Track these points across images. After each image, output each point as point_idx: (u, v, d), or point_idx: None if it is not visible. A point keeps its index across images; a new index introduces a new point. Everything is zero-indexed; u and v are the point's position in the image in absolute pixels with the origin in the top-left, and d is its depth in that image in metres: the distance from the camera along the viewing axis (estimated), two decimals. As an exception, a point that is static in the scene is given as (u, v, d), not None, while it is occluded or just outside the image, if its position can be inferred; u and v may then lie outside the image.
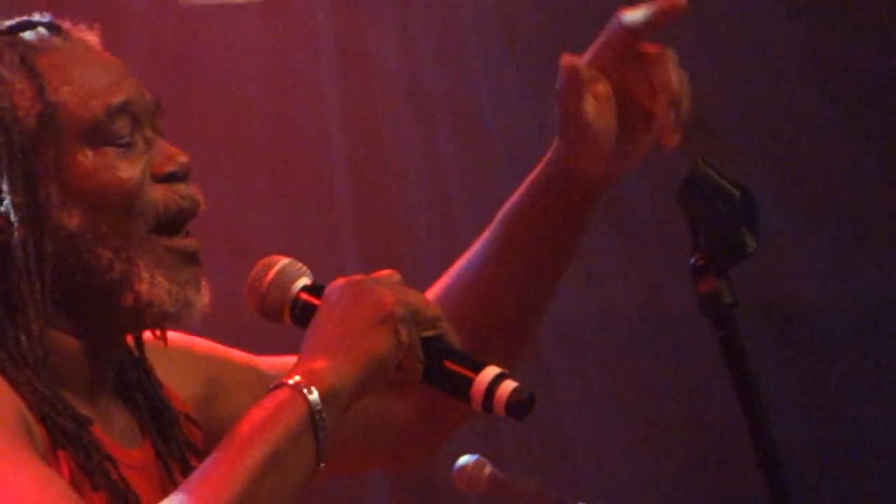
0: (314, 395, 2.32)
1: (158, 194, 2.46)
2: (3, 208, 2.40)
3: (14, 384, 2.38)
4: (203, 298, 2.49)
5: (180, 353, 2.68)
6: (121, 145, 2.45)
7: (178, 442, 2.61)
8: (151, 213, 2.45)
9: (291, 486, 2.37)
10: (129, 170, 2.45)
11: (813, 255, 7.65)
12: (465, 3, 7.14)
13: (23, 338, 2.41)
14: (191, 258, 2.49)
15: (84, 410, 2.46)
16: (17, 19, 2.51)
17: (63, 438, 2.40)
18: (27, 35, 2.48)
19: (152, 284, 2.45)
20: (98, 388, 2.52)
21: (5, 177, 2.40)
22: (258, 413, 2.36)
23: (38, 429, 2.38)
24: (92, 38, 2.53)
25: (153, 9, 7.19)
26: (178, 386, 2.67)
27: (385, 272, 2.44)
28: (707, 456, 6.94)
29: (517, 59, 7.10)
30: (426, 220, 7.36)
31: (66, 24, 2.52)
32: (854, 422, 7.89)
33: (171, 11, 7.24)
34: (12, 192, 2.40)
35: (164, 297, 2.45)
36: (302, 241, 7.16)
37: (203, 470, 2.35)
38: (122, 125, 2.45)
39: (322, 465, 2.35)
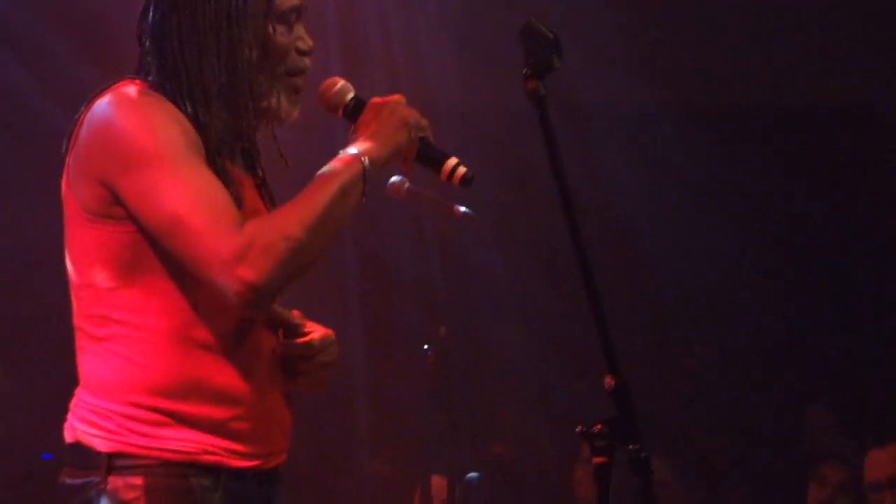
0: (366, 160, 3.27)
1: (296, 57, 3.39)
2: (224, 27, 3.30)
3: (199, 128, 3.27)
4: (296, 113, 3.40)
5: None
6: (289, 26, 3.38)
7: (264, 179, 3.51)
8: (290, 66, 3.39)
9: (348, 210, 3.24)
10: (287, 39, 3.37)
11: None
12: None
13: (201, 111, 3.29)
14: (298, 91, 3.40)
15: (223, 152, 3.33)
16: None
17: (214, 159, 3.27)
18: None
19: (275, 101, 3.37)
20: (233, 146, 3.40)
21: (240, 14, 3.30)
22: (335, 165, 3.24)
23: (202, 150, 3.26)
24: None
25: None
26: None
27: (398, 96, 3.41)
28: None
29: None
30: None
31: None
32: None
33: None
34: (237, 23, 3.30)
35: (282, 107, 3.39)
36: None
37: (302, 194, 3.21)
38: (293, 17, 3.40)
39: (364, 200, 3.27)
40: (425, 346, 5.55)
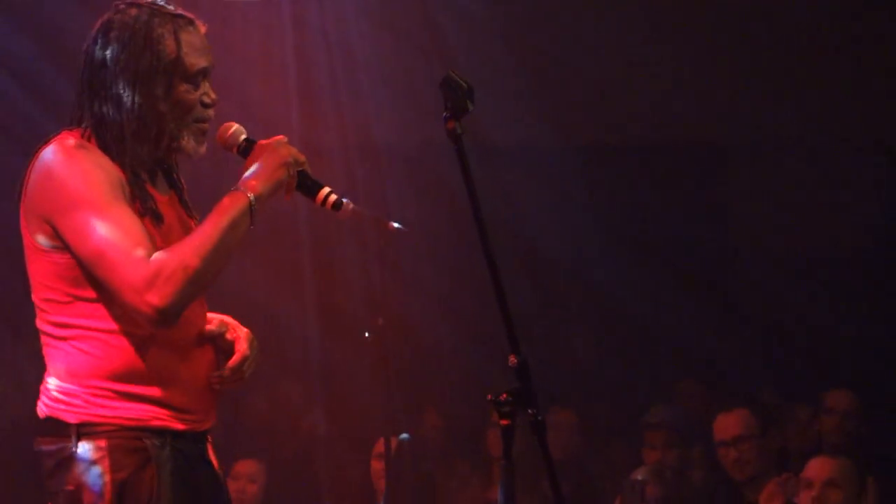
0: (252, 196, 3.25)
1: (201, 109, 3.35)
2: (138, 87, 3.27)
3: (116, 160, 3.25)
4: (203, 150, 3.37)
5: None
6: (195, 85, 3.33)
7: (183, 197, 3.48)
8: (196, 115, 3.34)
9: (238, 239, 3.21)
10: (193, 96, 3.33)
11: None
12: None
13: (121, 153, 3.26)
14: (203, 133, 3.36)
15: (144, 177, 3.33)
16: (180, 10, 3.38)
17: (135, 188, 3.27)
18: (180, 20, 3.35)
19: (187, 141, 3.34)
20: (153, 173, 3.38)
21: (152, 75, 3.28)
22: (226, 203, 3.22)
23: (126, 185, 3.26)
24: (202, 27, 3.40)
25: None
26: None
27: (281, 137, 3.38)
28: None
29: None
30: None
31: (194, 18, 3.39)
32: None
33: None
34: (150, 81, 3.28)
35: (190, 146, 3.35)
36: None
37: (200, 228, 3.22)
38: (199, 78, 3.35)
39: (252, 227, 3.25)
40: (366, 333, 5.51)
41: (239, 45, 8.10)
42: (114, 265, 3.14)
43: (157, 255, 3.15)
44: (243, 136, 3.42)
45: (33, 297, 3.36)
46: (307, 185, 3.39)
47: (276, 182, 3.32)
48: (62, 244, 3.23)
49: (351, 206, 5.44)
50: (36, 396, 3.35)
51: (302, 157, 3.37)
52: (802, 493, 5.23)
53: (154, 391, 3.29)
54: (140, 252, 3.14)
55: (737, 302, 8.84)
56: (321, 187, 3.39)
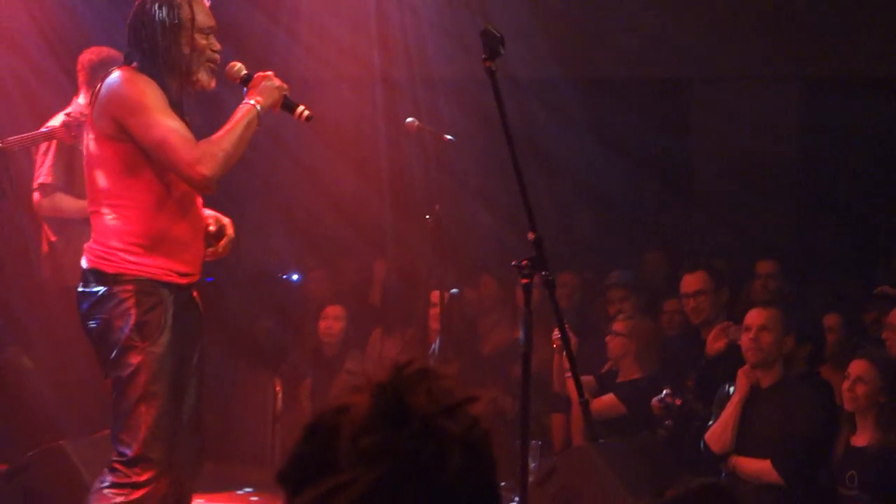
0: (259, 107, 3.55)
1: (210, 53, 3.59)
2: (169, 36, 3.50)
3: (165, 92, 3.49)
4: (213, 84, 3.59)
5: None
6: (205, 35, 3.57)
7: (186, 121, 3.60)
8: (208, 57, 3.58)
9: (251, 135, 3.52)
10: (204, 42, 3.56)
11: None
12: None
13: (163, 83, 3.50)
14: (214, 71, 3.60)
15: (174, 103, 3.53)
16: None
17: (173, 108, 3.49)
18: None
19: (200, 76, 3.56)
20: (177, 100, 3.56)
21: (179, 28, 3.52)
22: (241, 112, 3.52)
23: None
24: (207, 1, 3.64)
25: None
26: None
27: (271, 72, 3.60)
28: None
29: None
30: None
31: None
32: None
33: None
34: (176, 32, 3.52)
35: (204, 80, 3.58)
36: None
37: (227, 127, 3.50)
38: (210, 30, 3.59)
39: (259, 129, 3.51)
40: (427, 216, 5.54)
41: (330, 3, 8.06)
42: (175, 148, 3.39)
43: (201, 143, 3.43)
44: (245, 72, 3.64)
45: (90, 179, 3.53)
46: (289, 104, 3.60)
47: (272, 99, 3.56)
48: (125, 137, 3.43)
49: (416, 123, 5.53)
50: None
51: (286, 86, 3.60)
52: (743, 335, 5.24)
53: (169, 253, 3.52)
54: (191, 140, 3.42)
55: (697, 195, 8.83)
56: (297, 105, 3.57)
